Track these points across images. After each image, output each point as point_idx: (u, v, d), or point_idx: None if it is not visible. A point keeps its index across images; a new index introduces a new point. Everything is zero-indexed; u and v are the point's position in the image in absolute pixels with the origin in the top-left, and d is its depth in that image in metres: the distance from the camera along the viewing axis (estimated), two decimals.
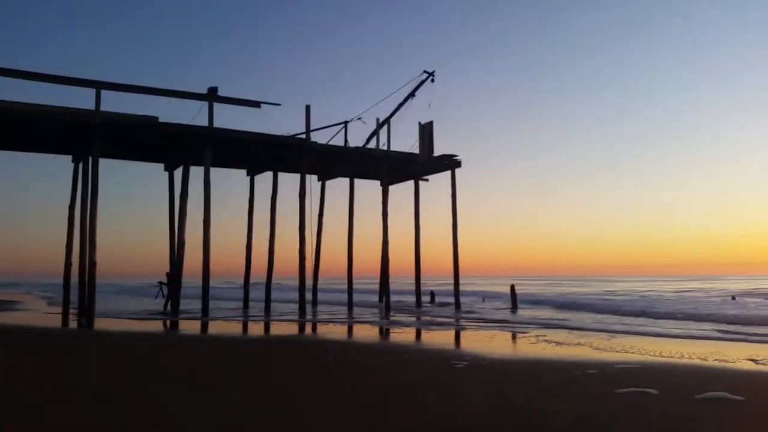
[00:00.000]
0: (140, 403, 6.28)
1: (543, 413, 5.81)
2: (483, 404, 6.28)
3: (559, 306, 26.19)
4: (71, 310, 22.61)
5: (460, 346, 12.51)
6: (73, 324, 18.91)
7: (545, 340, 13.09)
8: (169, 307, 22.38)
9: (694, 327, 16.31)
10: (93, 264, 18.98)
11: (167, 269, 23.91)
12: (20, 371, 8.63)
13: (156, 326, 18.12)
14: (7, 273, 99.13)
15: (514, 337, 14.23)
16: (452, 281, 26.70)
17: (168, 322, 19.16)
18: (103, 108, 18.52)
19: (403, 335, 14.97)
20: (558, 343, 12.48)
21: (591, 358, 10.11)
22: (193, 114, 20.86)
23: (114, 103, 19.60)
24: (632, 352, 10.89)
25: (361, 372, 8.79)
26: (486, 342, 12.94)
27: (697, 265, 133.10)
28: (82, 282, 20.50)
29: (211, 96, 20.00)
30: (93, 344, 12.98)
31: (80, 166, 21.29)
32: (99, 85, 18.42)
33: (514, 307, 25.63)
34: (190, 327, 17.42)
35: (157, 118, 19.21)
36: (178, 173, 23.50)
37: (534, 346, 12.03)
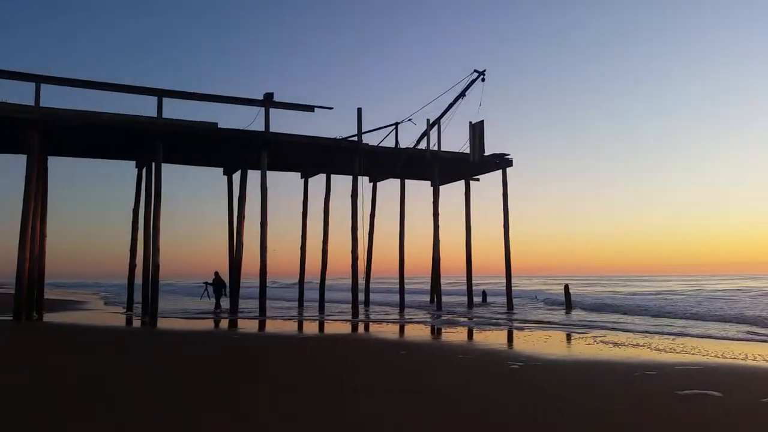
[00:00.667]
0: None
1: (601, 414, 5.86)
2: (537, 405, 6.37)
3: (614, 306, 25.65)
4: (126, 310, 23.71)
5: (514, 347, 12.53)
6: (137, 323, 19.79)
7: (602, 341, 12.96)
8: (222, 306, 23.10)
9: (754, 329, 15.80)
10: (156, 266, 19.84)
11: (216, 270, 24.74)
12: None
13: (222, 324, 18.78)
14: (74, 274, 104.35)
15: (569, 338, 14.13)
16: (503, 280, 26.56)
17: (226, 321, 19.82)
18: (150, 114, 19.43)
19: (456, 335, 15.07)
20: (615, 344, 12.35)
21: (650, 359, 10.00)
22: (247, 119, 21.53)
23: (165, 110, 20.37)
24: (692, 353, 10.69)
25: (412, 373, 8.97)
26: (541, 343, 12.91)
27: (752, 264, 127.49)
28: (145, 283, 21.43)
29: (267, 102, 20.59)
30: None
31: (143, 171, 22.26)
32: (161, 93, 19.25)
33: (568, 308, 25.31)
34: (249, 326, 17.97)
35: (216, 124, 19.94)
36: (236, 177, 24.31)
37: (590, 347, 11.94)
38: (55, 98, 18.20)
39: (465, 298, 28.68)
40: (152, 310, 19.66)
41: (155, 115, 19.25)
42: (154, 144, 19.45)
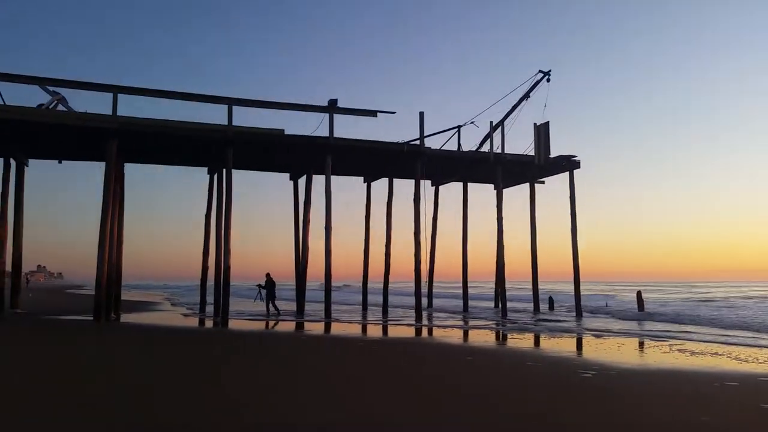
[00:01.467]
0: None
1: (685, 427, 5.60)
2: (613, 416, 6.15)
3: (689, 313, 24.53)
4: (200, 311, 24.55)
5: (584, 355, 12.18)
6: (208, 324, 20.47)
7: (678, 349, 12.42)
8: (273, 309, 23.11)
9: None
10: (227, 268, 20.49)
11: (267, 271, 24.30)
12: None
13: (288, 327, 19.19)
14: (142, 276, 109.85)
15: (642, 346, 13.62)
16: (566, 286, 25.91)
17: (297, 323, 20.21)
18: (215, 122, 20.09)
19: (522, 342, 14.78)
20: (692, 353, 11.81)
21: (731, 369, 9.51)
22: (310, 125, 21.99)
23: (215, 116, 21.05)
24: None
25: (479, 379, 8.86)
26: (613, 351, 12.49)
27: None
28: (217, 285, 22.14)
29: (332, 108, 20.92)
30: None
31: (215, 176, 23.05)
32: (231, 102, 19.88)
33: (640, 314, 24.36)
34: (315, 328, 18.26)
35: (283, 130, 20.41)
36: (301, 182, 24.83)
37: (666, 356, 11.45)
38: (123, 107, 18.93)
39: (531, 304, 28.16)
40: (224, 311, 20.27)
41: (222, 122, 19.91)
42: (224, 151, 20.10)
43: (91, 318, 18.91)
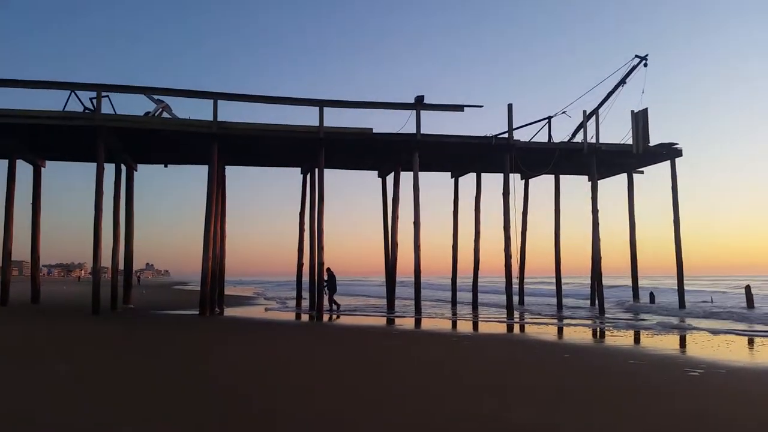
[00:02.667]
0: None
1: None
2: (729, 418, 5.84)
3: None
4: (296, 306, 25.43)
5: (689, 352, 11.55)
6: (305, 318, 21.19)
7: None
8: (332, 304, 23.24)
9: None
10: (321, 264, 21.11)
11: (328, 267, 23.27)
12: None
13: (377, 322, 19.54)
14: (236, 272, 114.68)
15: (751, 343, 12.75)
16: (666, 280, 24.60)
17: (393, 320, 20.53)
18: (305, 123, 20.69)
19: (622, 339, 14.22)
20: None
21: None
22: (395, 121, 22.20)
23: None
24: None
25: (577, 378, 8.65)
26: (722, 348, 11.79)
27: None
28: (312, 280, 22.89)
29: (419, 105, 21.01)
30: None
31: (308, 176, 23.80)
32: (322, 103, 20.45)
33: (749, 309, 22.75)
34: (407, 323, 18.47)
35: (371, 129, 20.73)
36: (389, 179, 25.12)
37: None
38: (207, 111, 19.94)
39: (629, 299, 27.03)
40: (318, 305, 20.90)
41: (314, 124, 20.50)
42: (316, 151, 20.71)
43: (197, 312, 20.10)
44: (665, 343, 12.94)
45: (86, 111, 19.48)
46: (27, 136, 20.78)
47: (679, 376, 8.34)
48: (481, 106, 22.02)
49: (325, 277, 22.71)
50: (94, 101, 19.30)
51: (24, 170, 23.43)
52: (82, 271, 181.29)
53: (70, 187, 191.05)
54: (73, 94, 19.47)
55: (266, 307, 26.76)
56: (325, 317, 20.31)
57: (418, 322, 19.02)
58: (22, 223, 23.46)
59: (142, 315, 20.27)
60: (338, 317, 20.76)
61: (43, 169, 24.11)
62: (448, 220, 26.61)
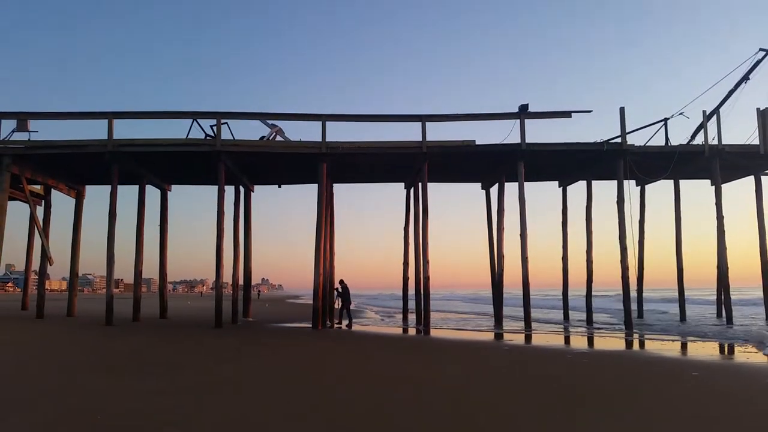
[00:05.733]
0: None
1: None
2: None
3: None
4: (403, 320, 25.60)
5: None
6: (412, 332, 21.34)
7: None
8: (345, 317, 22.77)
9: None
10: (426, 278, 21.22)
11: (341, 278, 23.59)
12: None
13: (488, 336, 19.30)
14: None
15: None
16: None
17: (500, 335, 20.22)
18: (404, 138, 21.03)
19: (760, 356, 13.10)
20: None
21: None
22: (499, 132, 21.97)
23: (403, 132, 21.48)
24: None
25: (705, 399, 8.09)
26: None
27: None
28: (418, 294, 23.05)
29: (523, 113, 20.67)
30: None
31: (411, 191, 24.09)
32: (425, 118, 20.68)
33: None
34: (516, 338, 18.08)
35: (474, 141, 20.69)
36: (493, 190, 24.83)
37: None
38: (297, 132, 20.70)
39: (760, 312, 24.90)
40: (425, 319, 20.99)
41: (415, 138, 20.75)
42: (420, 165, 20.94)
43: (310, 326, 20.86)
44: None
45: (207, 138, 20.97)
46: (155, 163, 22.67)
47: None
48: (590, 111, 21.31)
49: (339, 288, 23.11)
50: (214, 128, 20.73)
51: (152, 194, 25.56)
52: (204, 287, 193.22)
53: (190, 208, 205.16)
54: (195, 122, 21.04)
55: (378, 318, 27.19)
56: (412, 330, 20.41)
57: (528, 338, 18.55)
58: (149, 244, 25.55)
59: (262, 327, 21.33)
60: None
61: (169, 192, 26.14)
62: (556, 232, 25.85)
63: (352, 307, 24.24)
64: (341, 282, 23.38)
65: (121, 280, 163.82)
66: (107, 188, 21.44)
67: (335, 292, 23.63)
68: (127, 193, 24.94)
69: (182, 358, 11.89)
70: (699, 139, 22.09)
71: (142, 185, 24.49)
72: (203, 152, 20.76)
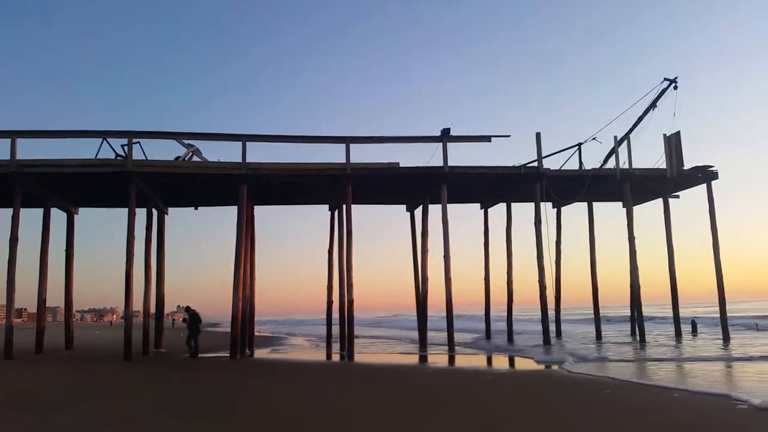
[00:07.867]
0: None
1: None
2: None
3: None
4: (327, 345, 25.00)
5: (739, 386, 10.84)
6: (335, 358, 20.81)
7: None
8: (192, 346, 20.55)
9: None
10: (350, 301, 20.81)
11: (188, 304, 22.06)
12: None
13: (409, 360, 19.06)
14: (265, 312, 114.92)
15: None
16: (703, 308, 23.68)
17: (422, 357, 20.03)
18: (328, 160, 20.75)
19: (667, 372, 13.54)
20: None
21: None
22: (421, 155, 22.07)
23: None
24: None
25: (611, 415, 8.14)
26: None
27: None
28: (342, 318, 22.58)
29: (445, 137, 20.86)
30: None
31: (335, 213, 23.72)
32: (348, 140, 20.45)
33: None
34: (440, 360, 17.94)
35: (398, 163, 20.65)
36: (417, 212, 24.87)
37: None
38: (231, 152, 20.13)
39: (671, 328, 26.10)
40: (349, 344, 20.54)
41: (338, 160, 20.46)
42: (343, 187, 20.64)
43: (227, 355, 19.82)
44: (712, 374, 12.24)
45: (118, 158, 19.81)
46: (61, 185, 21.18)
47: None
48: (508, 136, 21.78)
49: (186, 316, 21.37)
50: (125, 148, 19.63)
51: (57, 218, 23.74)
52: (114, 315, 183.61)
53: (101, 232, 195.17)
54: (104, 141, 19.86)
55: (307, 345, 26.35)
56: (335, 357, 19.98)
57: (451, 359, 18.47)
58: (54, 270, 23.74)
59: (173, 358, 20.12)
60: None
61: (75, 215, 24.49)
62: (478, 253, 26.18)
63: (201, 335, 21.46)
64: (187, 309, 21.55)
65: (25, 309, 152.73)
66: (9, 211, 19.83)
67: (182, 320, 20.88)
68: (31, 216, 23.05)
69: (76, 394, 10.88)
70: (611, 164, 23.08)
71: (47, 208, 22.82)
72: (113, 173, 19.57)
